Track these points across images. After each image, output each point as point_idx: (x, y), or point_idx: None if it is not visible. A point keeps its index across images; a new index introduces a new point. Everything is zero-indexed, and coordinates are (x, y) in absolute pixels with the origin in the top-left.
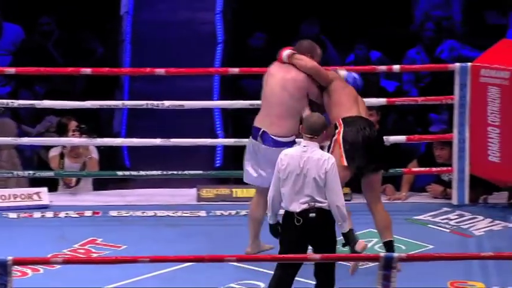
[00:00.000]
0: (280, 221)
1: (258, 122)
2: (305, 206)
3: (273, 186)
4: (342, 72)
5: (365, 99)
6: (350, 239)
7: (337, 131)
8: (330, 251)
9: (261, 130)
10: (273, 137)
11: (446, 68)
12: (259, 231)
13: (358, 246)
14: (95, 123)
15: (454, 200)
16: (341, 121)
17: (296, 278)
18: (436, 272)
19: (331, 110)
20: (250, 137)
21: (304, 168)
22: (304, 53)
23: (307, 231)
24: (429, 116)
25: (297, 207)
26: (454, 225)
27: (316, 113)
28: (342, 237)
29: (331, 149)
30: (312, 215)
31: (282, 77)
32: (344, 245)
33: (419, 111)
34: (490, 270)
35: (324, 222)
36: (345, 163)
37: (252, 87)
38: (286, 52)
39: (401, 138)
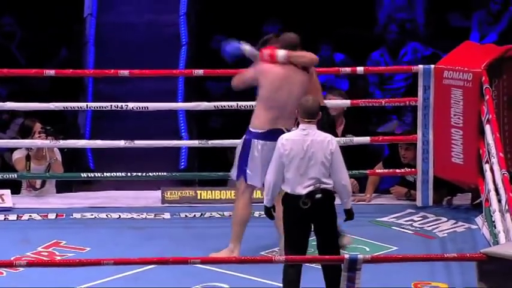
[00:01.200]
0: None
1: (274, 124)
2: (311, 188)
3: (274, 172)
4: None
5: (329, 101)
6: (351, 214)
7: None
8: (332, 230)
9: (284, 129)
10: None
11: (410, 70)
12: (243, 233)
13: (344, 241)
14: (61, 125)
15: (418, 202)
16: None
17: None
18: (400, 273)
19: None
20: (262, 141)
21: (309, 151)
22: (295, 48)
23: (312, 213)
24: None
25: (302, 190)
26: (418, 227)
27: (311, 96)
28: None
29: None
30: (319, 196)
31: (299, 80)
32: (346, 220)
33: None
34: (453, 271)
35: (329, 202)
36: None
37: (216, 89)
38: (281, 53)
39: (365, 140)
